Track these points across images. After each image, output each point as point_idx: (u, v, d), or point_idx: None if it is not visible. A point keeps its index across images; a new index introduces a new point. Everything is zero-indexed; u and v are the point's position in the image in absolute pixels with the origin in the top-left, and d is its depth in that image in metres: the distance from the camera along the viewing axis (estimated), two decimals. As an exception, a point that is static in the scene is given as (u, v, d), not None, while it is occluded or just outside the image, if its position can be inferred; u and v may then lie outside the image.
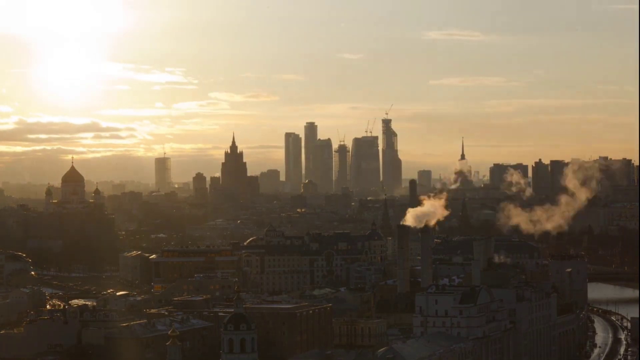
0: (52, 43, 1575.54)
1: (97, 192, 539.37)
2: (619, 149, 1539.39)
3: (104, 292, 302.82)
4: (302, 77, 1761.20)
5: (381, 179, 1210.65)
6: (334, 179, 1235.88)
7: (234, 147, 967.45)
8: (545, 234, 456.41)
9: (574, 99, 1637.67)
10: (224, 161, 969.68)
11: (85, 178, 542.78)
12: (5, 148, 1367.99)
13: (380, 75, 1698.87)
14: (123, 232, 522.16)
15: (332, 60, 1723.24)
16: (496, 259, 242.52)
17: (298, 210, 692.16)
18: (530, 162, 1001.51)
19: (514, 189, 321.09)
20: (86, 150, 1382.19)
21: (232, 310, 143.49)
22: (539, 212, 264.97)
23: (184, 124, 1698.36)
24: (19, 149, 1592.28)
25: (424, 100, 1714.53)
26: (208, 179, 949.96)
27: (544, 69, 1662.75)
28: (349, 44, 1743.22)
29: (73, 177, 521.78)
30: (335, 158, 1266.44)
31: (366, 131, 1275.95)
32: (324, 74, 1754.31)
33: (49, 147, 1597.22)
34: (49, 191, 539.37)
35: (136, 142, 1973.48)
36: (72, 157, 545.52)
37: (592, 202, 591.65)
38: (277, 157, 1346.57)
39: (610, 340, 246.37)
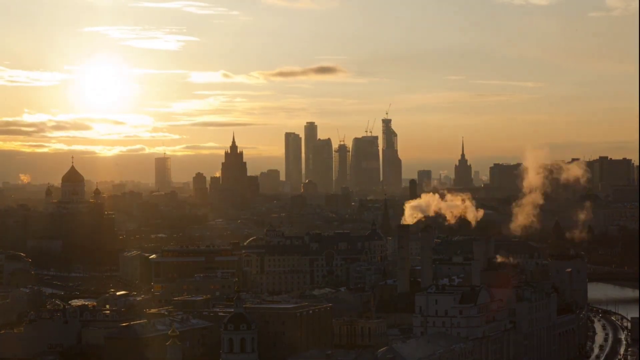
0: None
1: (97, 192, 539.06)
2: (619, 149, 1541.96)
3: (104, 292, 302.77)
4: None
5: (381, 179, 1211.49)
6: (334, 179, 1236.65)
7: (234, 147, 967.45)
8: (546, 234, 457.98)
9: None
10: (224, 161, 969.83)
11: (85, 178, 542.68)
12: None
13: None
14: (123, 232, 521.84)
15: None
16: (499, 259, 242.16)
17: (298, 210, 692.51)
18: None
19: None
20: (85, 149, 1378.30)
21: (232, 310, 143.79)
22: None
23: (184, 123, 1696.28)
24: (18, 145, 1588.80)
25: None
26: (208, 179, 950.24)
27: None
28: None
29: (73, 177, 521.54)
30: (335, 158, 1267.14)
31: (366, 131, 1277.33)
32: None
33: (47, 146, 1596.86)
34: (49, 191, 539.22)
35: (136, 142, 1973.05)
36: (72, 157, 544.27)
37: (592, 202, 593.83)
38: (277, 157, 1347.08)
39: (610, 340, 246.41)
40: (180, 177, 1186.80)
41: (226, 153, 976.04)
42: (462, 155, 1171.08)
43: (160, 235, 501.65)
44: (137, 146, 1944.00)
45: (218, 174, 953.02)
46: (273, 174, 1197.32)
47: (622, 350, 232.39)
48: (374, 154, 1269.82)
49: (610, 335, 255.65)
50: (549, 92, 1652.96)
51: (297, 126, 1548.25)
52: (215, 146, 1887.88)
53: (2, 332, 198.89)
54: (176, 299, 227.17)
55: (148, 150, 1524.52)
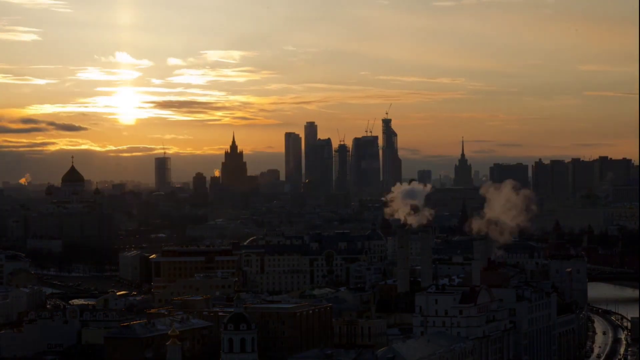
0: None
1: (97, 192, 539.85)
2: (619, 148, 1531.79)
3: (104, 292, 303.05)
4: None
5: (381, 179, 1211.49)
6: (334, 179, 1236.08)
7: (234, 147, 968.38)
8: (545, 234, 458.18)
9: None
10: (224, 161, 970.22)
11: (85, 178, 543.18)
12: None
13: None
14: (123, 232, 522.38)
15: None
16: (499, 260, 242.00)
17: (298, 210, 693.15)
18: (530, 162, 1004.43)
19: None
20: (84, 149, 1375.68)
21: (232, 310, 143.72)
22: None
23: (184, 122, 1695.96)
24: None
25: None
26: (208, 178, 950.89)
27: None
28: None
29: (73, 177, 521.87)
30: (335, 158, 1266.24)
31: (366, 131, 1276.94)
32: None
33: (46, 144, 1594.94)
34: (49, 191, 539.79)
35: (136, 141, 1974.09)
36: (72, 157, 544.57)
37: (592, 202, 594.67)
38: (277, 157, 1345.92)
39: (610, 340, 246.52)
40: (180, 177, 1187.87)
41: (226, 153, 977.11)
42: (462, 154, 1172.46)
43: (160, 235, 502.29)
44: (137, 145, 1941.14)
45: (218, 174, 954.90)
46: (273, 174, 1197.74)
47: (622, 350, 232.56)
48: (374, 154, 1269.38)
49: (610, 335, 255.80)
50: (474, 88, 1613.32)
51: (297, 126, 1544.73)
52: (215, 146, 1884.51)
53: (2, 332, 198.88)
54: (176, 299, 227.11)
55: (148, 149, 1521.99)
